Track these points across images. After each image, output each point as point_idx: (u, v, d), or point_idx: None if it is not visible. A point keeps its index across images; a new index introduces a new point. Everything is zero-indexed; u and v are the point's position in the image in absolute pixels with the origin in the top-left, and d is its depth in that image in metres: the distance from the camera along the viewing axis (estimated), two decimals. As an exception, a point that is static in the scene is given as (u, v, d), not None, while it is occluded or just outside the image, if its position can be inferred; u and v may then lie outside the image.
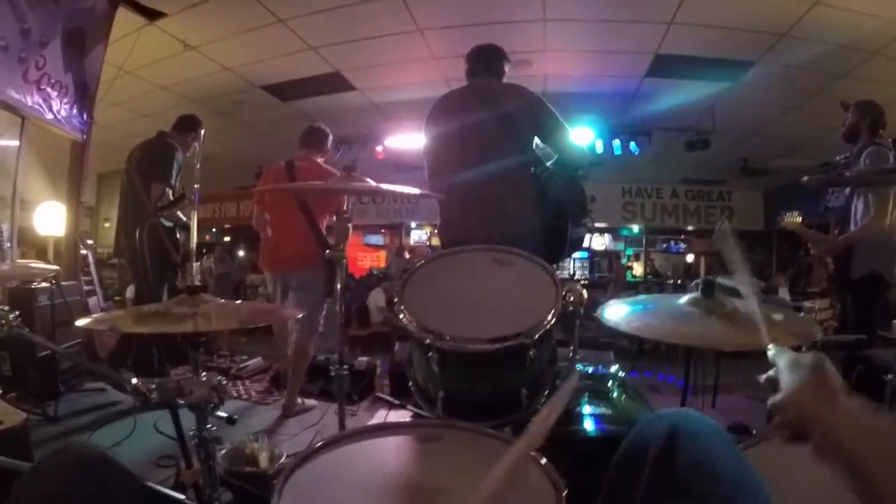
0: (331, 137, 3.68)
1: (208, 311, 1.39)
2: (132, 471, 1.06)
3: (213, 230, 10.19)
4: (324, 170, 3.43)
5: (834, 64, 4.74)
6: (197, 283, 1.44)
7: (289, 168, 3.40)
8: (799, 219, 3.54)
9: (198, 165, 3.24)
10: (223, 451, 2.53)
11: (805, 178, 2.34)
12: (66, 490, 0.90)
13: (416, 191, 1.87)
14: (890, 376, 1.92)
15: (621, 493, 0.91)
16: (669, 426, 0.88)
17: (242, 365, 4.56)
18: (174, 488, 1.80)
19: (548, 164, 2.37)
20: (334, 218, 3.37)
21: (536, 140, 2.36)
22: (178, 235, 3.64)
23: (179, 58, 4.98)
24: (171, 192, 3.57)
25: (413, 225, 9.17)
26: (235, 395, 3.99)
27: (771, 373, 0.81)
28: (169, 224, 3.63)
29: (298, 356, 3.39)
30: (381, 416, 3.14)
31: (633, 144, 6.67)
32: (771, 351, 0.85)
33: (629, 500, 0.87)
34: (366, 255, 9.87)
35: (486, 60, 2.58)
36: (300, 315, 1.53)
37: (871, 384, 2.54)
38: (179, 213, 3.64)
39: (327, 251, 2.44)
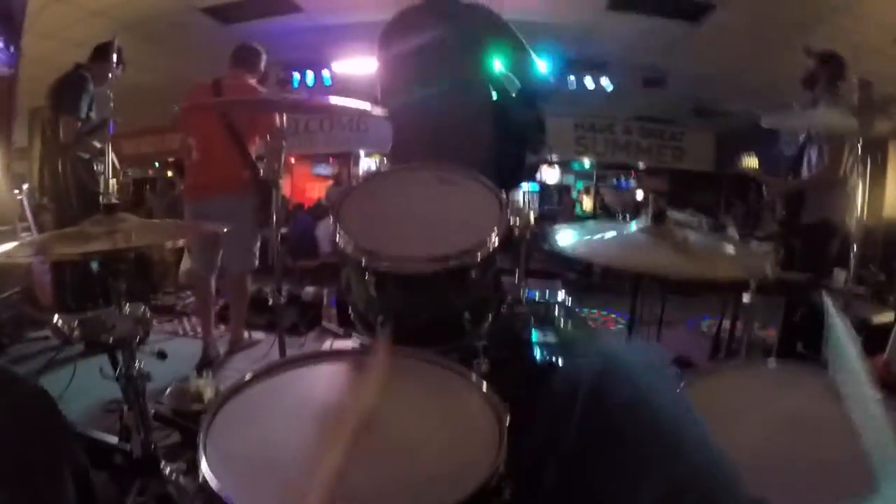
0: (264, 56, 3.42)
1: (127, 229, 1.28)
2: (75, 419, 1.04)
3: (156, 164, 9.70)
4: (254, 89, 3.23)
5: (796, 15, 4.72)
6: (113, 201, 1.32)
7: (215, 86, 3.14)
8: (755, 161, 3.58)
9: (110, 93, 3.00)
10: (168, 391, 2.47)
11: (763, 118, 2.31)
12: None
13: (357, 105, 1.75)
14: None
15: (550, 435, 0.84)
16: (601, 362, 0.82)
17: (188, 300, 4.42)
18: (119, 432, 1.74)
19: (509, 89, 2.27)
20: (267, 140, 3.14)
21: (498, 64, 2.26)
22: (95, 167, 3.41)
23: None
24: (79, 123, 3.31)
25: (363, 153, 8.87)
26: (181, 332, 3.90)
27: None
28: (86, 156, 3.41)
29: (237, 290, 3.27)
30: (328, 346, 3.11)
31: (589, 80, 6.60)
32: None
33: (557, 442, 0.80)
34: (314, 185, 9.59)
35: None
36: (225, 230, 1.43)
37: (814, 325, 2.63)
38: (96, 143, 3.40)
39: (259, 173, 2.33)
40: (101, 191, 3.28)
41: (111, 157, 3.08)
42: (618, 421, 0.75)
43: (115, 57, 3.27)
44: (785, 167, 3.42)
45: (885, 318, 2.41)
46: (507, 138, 2.24)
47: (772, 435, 0.93)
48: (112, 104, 3.00)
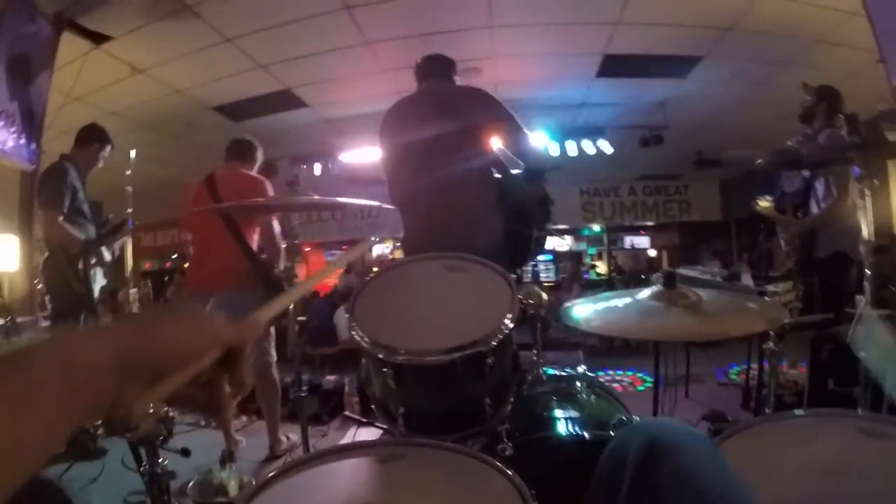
0: (259, 149, 3.44)
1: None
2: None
3: (175, 255, 9.93)
4: (249, 178, 3.20)
5: (779, 54, 4.87)
6: (134, 311, 1.37)
7: (209, 182, 3.11)
8: (770, 202, 3.61)
9: (129, 189, 3.06)
10: (191, 483, 2.44)
11: (759, 160, 2.37)
12: None
13: (362, 202, 1.82)
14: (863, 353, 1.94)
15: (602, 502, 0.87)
16: (649, 436, 0.84)
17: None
18: None
19: (511, 169, 2.33)
20: (271, 231, 3.07)
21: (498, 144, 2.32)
22: (79, 265, 3.25)
23: (128, 82, 4.86)
24: (61, 217, 3.19)
25: (375, 239, 9.07)
26: (202, 423, 3.86)
27: None
28: (73, 250, 3.29)
29: (264, 386, 3.14)
30: (351, 434, 3.06)
31: (588, 146, 6.76)
32: None
33: None
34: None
35: (435, 66, 2.54)
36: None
37: (842, 361, 2.58)
38: (104, 249, 3.36)
39: (273, 268, 2.33)
40: (83, 290, 3.18)
41: (129, 255, 3.10)
42: (666, 492, 0.76)
43: (108, 146, 3.33)
44: (793, 203, 3.44)
45: None
46: (513, 217, 2.28)
47: (812, 485, 0.92)
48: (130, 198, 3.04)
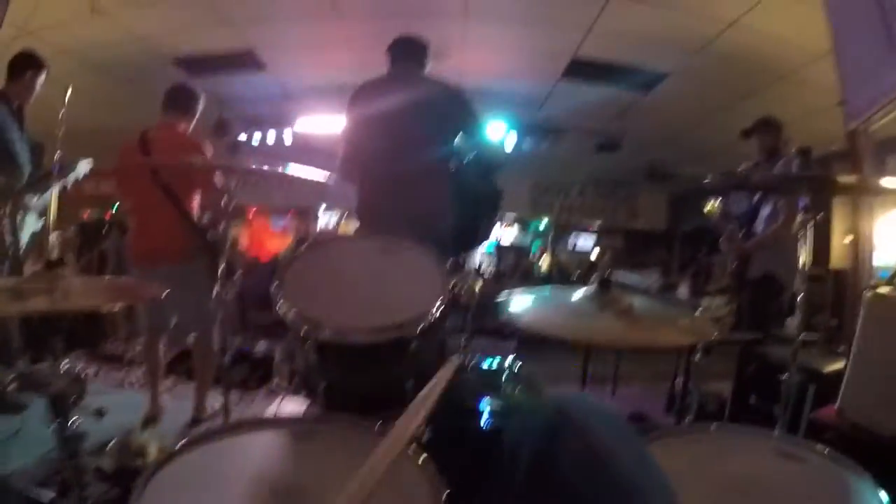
0: (201, 99, 3.13)
1: (67, 288, 1.26)
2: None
3: (115, 207, 9.48)
4: (185, 140, 2.97)
5: (743, 83, 5.04)
6: (53, 257, 1.31)
7: (142, 141, 2.87)
8: (718, 206, 3.76)
9: (60, 132, 2.85)
10: (110, 445, 2.37)
11: (708, 179, 2.47)
12: None
13: (314, 174, 1.79)
14: (785, 375, 2.05)
15: (495, 498, 0.82)
16: (552, 415, 0.75)
17: (138, 350, 4.25)
18: (59, 485, 1.72)
19: (466, 159, 2.44)
20: (214, 192, 2.85)
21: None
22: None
23: (87, 21, 4.56)
24: None
25: (321, 209, 8.87)
26: (129, 383, 3.75)
27: None
28: None
29: (202, 352, 3.02)
30: (277, 404, 3.03)
31: (544, 144, 6.87)
32: None
33: (510, 481, 0.75)
34: (273, 239, 9.49)
35: (409, 49, 2.60)
36: (168, 293, 1.39)
37: (766, 379, 2.72)
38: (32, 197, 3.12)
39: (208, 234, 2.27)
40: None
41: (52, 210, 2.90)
42: (568, 479, 0.68)
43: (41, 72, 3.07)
44: (739, 222, 3.58)
45: (836, 366, 2.50)
46: (462, 206, 2.37)
47: (722, 500, 0.95)
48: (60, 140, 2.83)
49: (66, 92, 3.33)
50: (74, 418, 1.41)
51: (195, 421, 3.02)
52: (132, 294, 1.52)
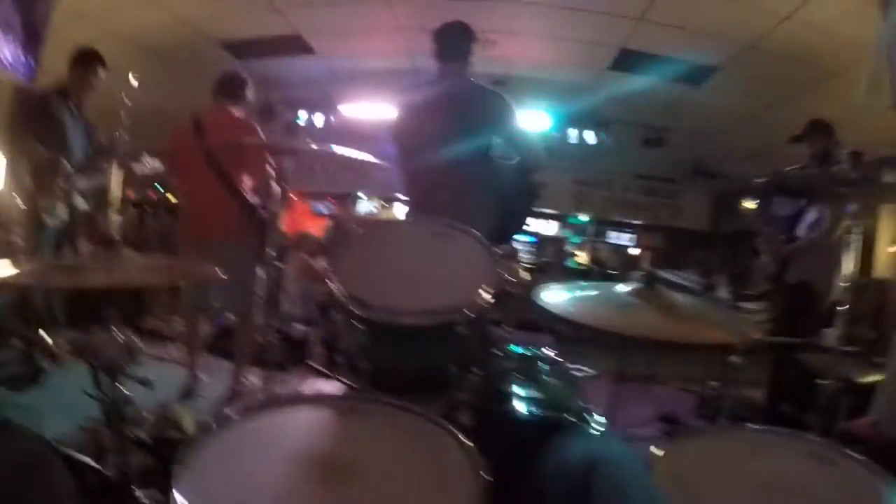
0: (249, 84, 3.24)
1: (126, 266, 1.30)
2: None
3: (160, 187, 9.75)
4: (238, 122, 3.05)
5: (797, 79, 4.86)
6: (115, 237, 1.35)
7: (195, 123, 2.96)
8: (756, 205, 3.68)
9: (123, 116, 2.92)
10: (148, 416, 2.45)
11: (754, 179, 2.41)
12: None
13: (364, 157, 1.81)
14: (825, 382, 1.99)
15: None
16: (592, 458, 0.95)
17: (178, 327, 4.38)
18: (95, 451, 1.73)
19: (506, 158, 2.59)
20: (267, 174, 2.95)
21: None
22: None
23: (136, 6, 4.70)
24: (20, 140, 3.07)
25: (362, 195, 8.92)
26: (167, 357, 3.85)
27: None
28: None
29: (244, 330, 3.09)
30: (312, 385, 3.08)
31: (590, 136, 6.77)
32: None
33: None
34: (314, 223, 9.60)
35: (454, 43, 2.63)
36: (224, 276, 1.42)
37: (801, 388, 2.64)
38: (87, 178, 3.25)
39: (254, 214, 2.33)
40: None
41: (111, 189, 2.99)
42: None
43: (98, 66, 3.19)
44: (783, 226, 3.48)
45: (872, 378, 2.42)
46: (500, 200, 2.51)
47: (754, 500, 0.95)
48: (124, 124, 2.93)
49: (121, 77, 3.43)
50: (122, 386, 1.45)
51: (231, 397, 3.07)
52: (189, 272, 1.56)
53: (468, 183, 2.45)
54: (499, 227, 2.44)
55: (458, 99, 2.55)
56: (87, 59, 3.26)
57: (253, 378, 3.15)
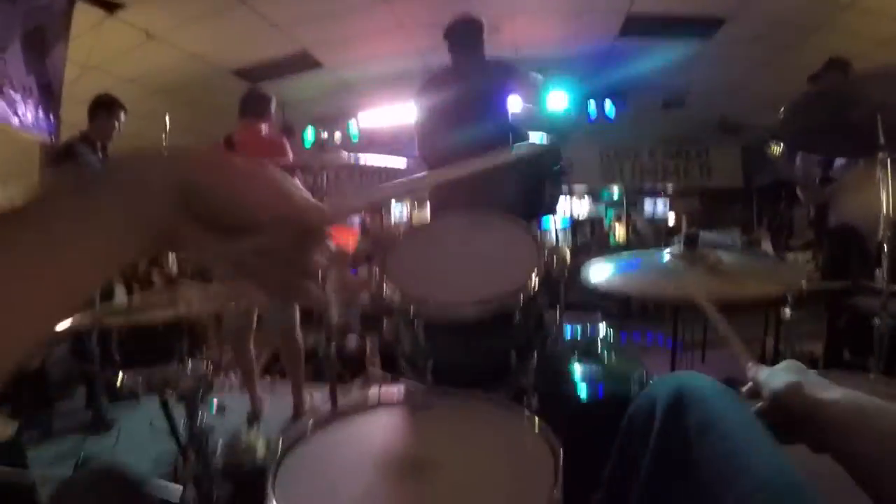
0: (274, 101, 3.36)
1: (188, 296, 1.36)
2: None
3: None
4: (267, 142, 3.17)
5: (806, 18, 4.74)
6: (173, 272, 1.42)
7: (228, 144, 3.09)
8: (781, 147, 3.61)
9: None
10: (219, 444, 2.52)
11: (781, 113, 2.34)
12: None
13: (393, 162, 1.84)
14: (877, 321, 1.94)
15: (630, 454, 0.90)
16: (676, 387, 0.86)
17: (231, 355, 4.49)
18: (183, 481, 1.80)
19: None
20: None
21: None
22: None
23: (144, 48, 4.85)
24: None
25: (393, 201, 8.97)
26: (226, 386, 3.97)
27: (751, 385, 0.86)
28: None
29: (289, 347, 3.18)
30: (375, 392, 3.12)
31: (609, 107, 6.67)
32: (750, 371, 0.89)
33: (639, 460, 0.86)
34: (346, 236, 9.67)
35: (466, 36, 2.78)
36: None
37: (858, 331, 2.58)
38: None
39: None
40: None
41: None
42: (691, 443, 0.78)
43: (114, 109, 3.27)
44: (813, 172, 3.39)
45: None
46: (526, 174, 2.51)
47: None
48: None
49: (144, 119, 3.55)
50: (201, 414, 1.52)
51: (296, 416, 3.15)
52: (244, 295, 1.61)
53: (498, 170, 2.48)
54: (530, 208, 2.49)
55: (481, 85, 2.66)
56: (105, 105, 3.37)
57: (316, 394, 3.25)
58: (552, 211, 2.81)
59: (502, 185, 2.34)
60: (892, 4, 3.03)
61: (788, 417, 0.77)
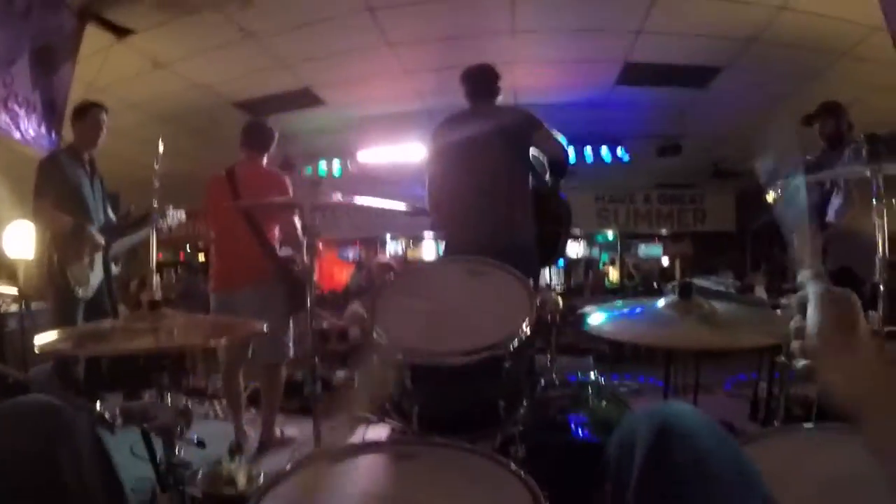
0: (276, 134, 3.35)
1: (170, 326, 1.34)
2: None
3: (188, 248, 9.98)
4: (269, 175, 3.20)
5: (802, 67, 4.84)
6: (157, 297, 1.39)
7: (230, 178, 3.10)
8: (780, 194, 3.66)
9: (156, 184, 3.00)
10: (200, 473, 2.47)
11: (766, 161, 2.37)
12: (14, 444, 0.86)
13: (392, 205, 1.83)
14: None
15: (610, 498, 0.86)
16: (660, 422, 0.81)
17: (220, 383, 4.43)
18: None
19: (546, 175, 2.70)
20: (294, 228, 3.03)
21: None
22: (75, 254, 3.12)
23: (150, 76, 4.92)
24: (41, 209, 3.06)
25: (388, 237, 9.01)
26: (212, 415, 3.89)
27: (801, 294, 0.80)
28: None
29: (270, 382, 3.13)
30: (361, 431, 3.07)
31: (605, 152, 6.77)
32: (803, 274, 0.82)
33: (624, 493, 0.80)
34: (342, 269, 9.68)
35: (483, 82, 2.82)
36: (265, 329, 1.45)
37: None
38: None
39: (294, 265, 2.38)
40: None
41: (153, 244, 3.09)
42: (679, 479, 0.74)
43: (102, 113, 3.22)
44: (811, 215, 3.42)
45: None
46: (545, 220, 2.57)
47: (823, 500, 0.92)
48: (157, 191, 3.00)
49: (143, 145, 3.55)
50: (178, 449, 1.47)
51: (262, 447, 3.09)
52: (233, 330, 1.59)
53: (514, 207, 2.53)
54: (545, 245, 2.55)
55: (502, 128, 2.65)
56: (82, 111, 3.30)
57: (297, 428, 3.19)
58: (562, 254, 2.84)
59: (520, 229, 2.47)
60: (889, 51, 3.10)
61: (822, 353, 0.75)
